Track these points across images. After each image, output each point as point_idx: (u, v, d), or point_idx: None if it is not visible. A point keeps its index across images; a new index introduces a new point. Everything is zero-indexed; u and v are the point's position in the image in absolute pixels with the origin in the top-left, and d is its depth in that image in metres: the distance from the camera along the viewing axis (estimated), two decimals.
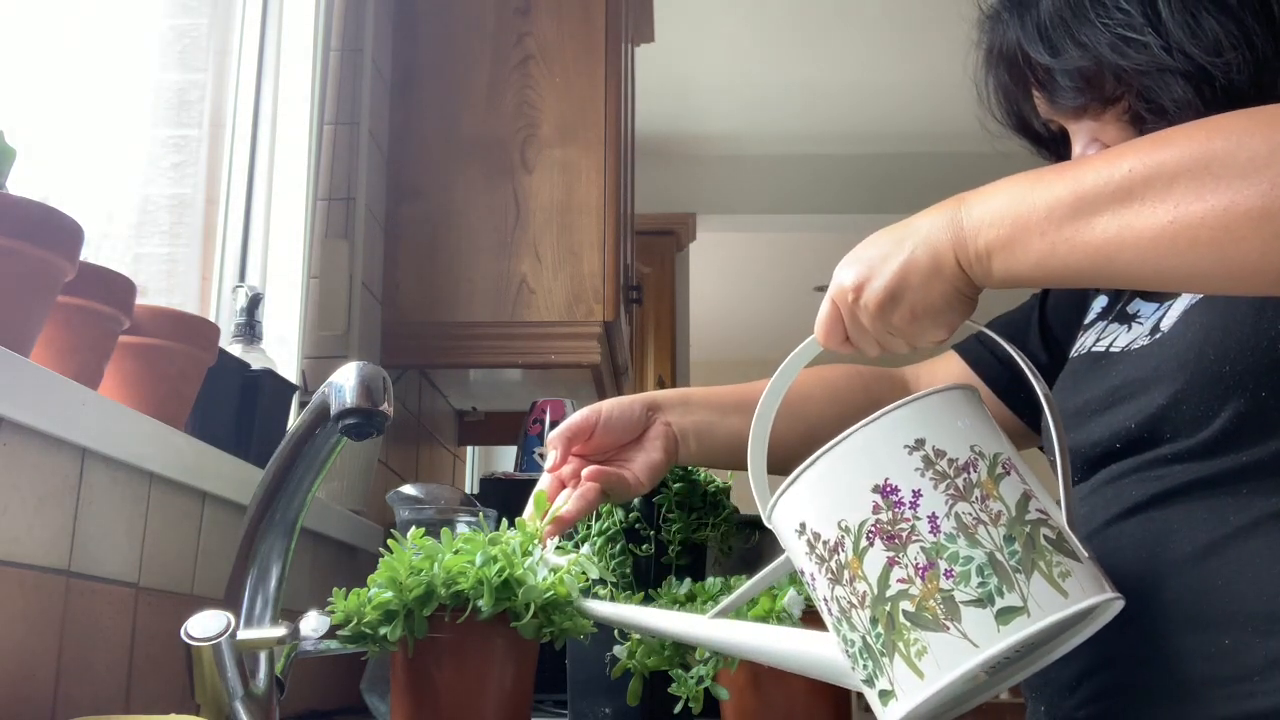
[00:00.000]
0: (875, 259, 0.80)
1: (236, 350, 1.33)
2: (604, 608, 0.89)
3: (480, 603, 0.83)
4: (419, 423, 2.14)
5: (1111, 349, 0.92)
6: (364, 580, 0.87)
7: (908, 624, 0.68)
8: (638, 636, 1.02)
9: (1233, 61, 0.83)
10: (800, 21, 3.80)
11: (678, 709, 0.99)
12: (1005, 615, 0.67)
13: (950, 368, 1.14)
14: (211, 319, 1.47)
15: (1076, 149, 0.94)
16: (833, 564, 0.72)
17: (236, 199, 1.62)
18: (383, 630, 0.84)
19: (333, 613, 0.87)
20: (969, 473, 0.70)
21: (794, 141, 4.61)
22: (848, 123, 4.46)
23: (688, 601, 1.04)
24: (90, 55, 1.37)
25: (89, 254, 0.91)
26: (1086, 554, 0.70)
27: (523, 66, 1.99)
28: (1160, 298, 0.91)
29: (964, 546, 0.68)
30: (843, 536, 0.71)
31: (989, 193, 0.77)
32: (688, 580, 1.08)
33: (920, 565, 0.68)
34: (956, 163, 3.14)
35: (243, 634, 0.87)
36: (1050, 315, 1.11)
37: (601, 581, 1.03)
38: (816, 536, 0.73)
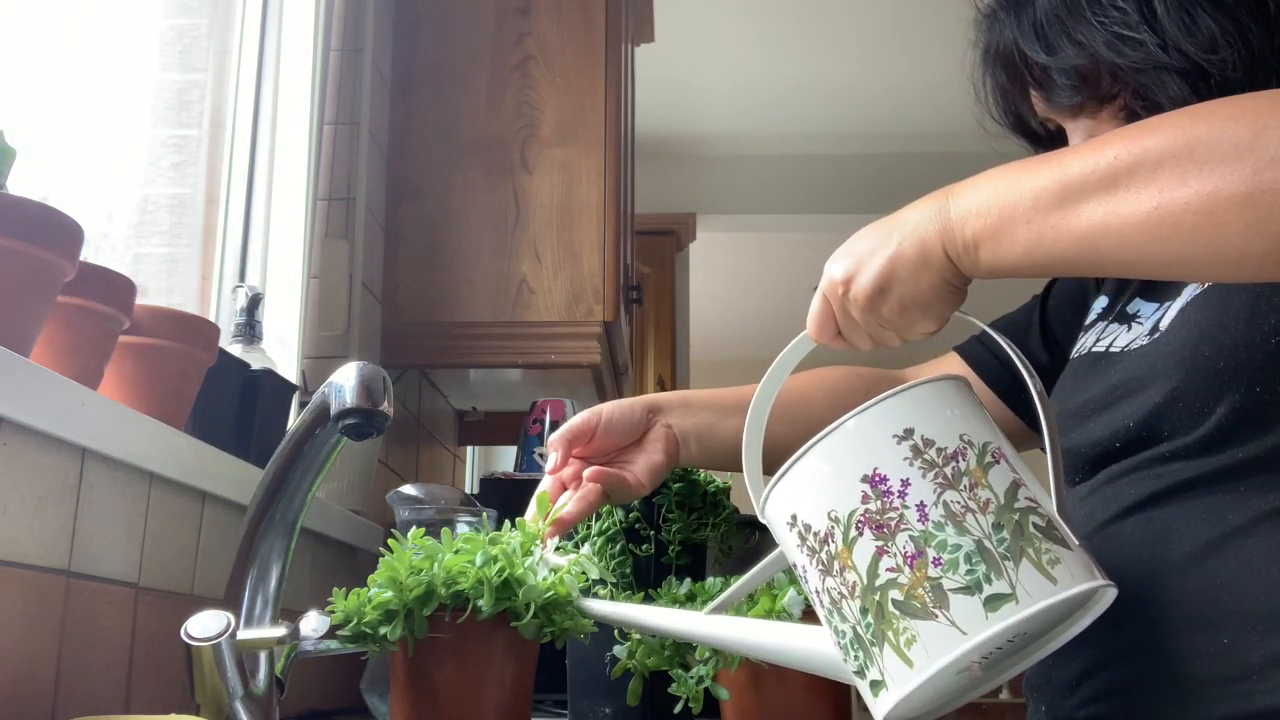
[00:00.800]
0: (863, 252, 0.80)
1: (236, 350, 1.33)
2: (601, 606, 0.89)
3: (480, 602, 0.83)
4: (419, 423, 2.14)
5: (1111, 349, 0.92)
6: (364, 580, 0.87)
7: (897, 613, 0.68)
8: (638, 636, 1.02)
9: (1228, 59, 0.83)
10: (800, 21, 3.80)
11: (678, 709, 0.99)
12: (993, 602, 0.66)
13: (951, 368, 1.14)
14: (211, 319, 1.47)
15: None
16: (823, 555, 0.72)
17: (236, 199, 1.62)
18: (383, 630, 0.84)
19: (333, 613, 0.87)
20: (958, 461, 0.70)
21: (794, 141, 4.61)
22: (848, 123, 4.46)
23: (688, 601, 1.04)
24: (90, 55, 1.37)
25: (89, 254, 0.91)
26: (1077, 541, 0.70)
27: (523, 67, 1.99)
28: (1160, 297, 0.91)
29: (952, 534, 0.68)
30: (832, 527, 0.71)
31: (976, 183, 0.77)
32: (688, 580, 1.08)
33: (909, 554, 0.68)
34: (956, 163, 3.13)
35: (243, 634, 0.87)
36: (1051, 316, 1.11)
37: (601, 581, 1.03)
38: (807, 528, 0.73)
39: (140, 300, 1.01)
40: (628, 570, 1.14)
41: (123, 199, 1.45)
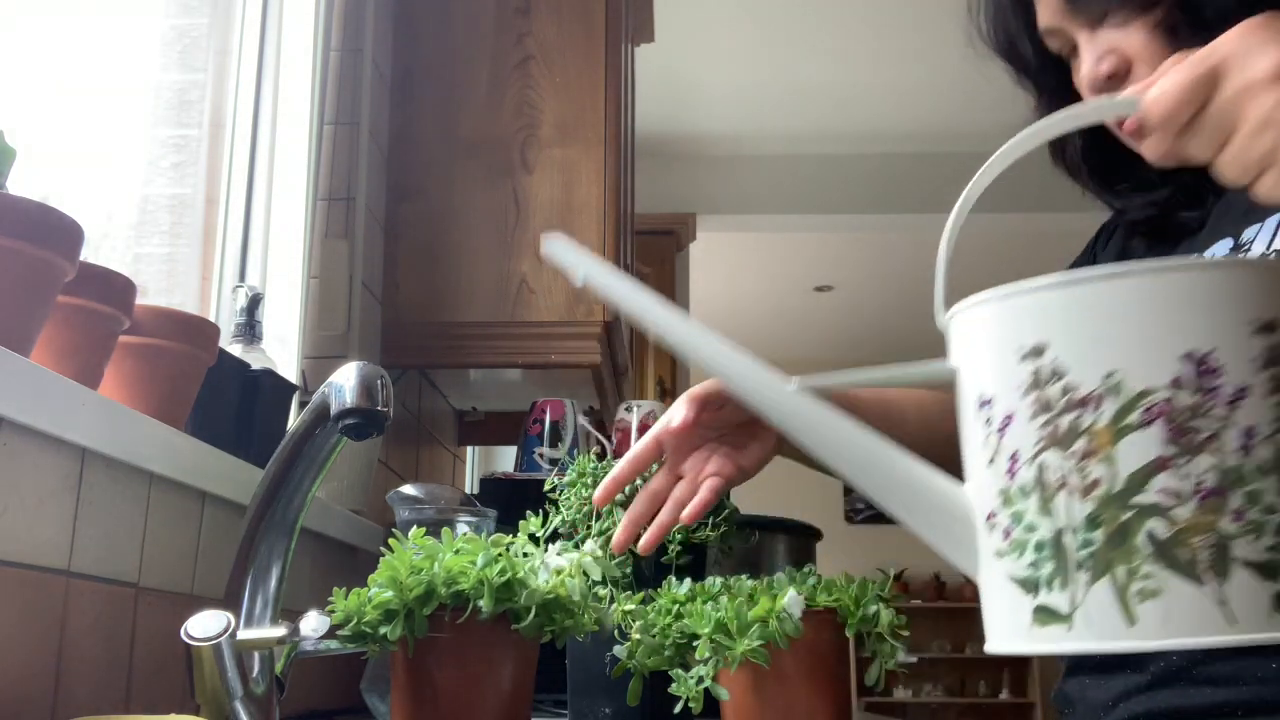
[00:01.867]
0: None
1: (236, 350, 1.33)
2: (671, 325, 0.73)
3: (481, 603, 0.83)
4: (419, 423, 2.14)
5: None
6: (364, 580, 0.87)
7: (1149, 551, 0.49)
8: (638, 636, 1.02)
9: None
10: (800, 22, 3.80)
11: (678, 709, 0.99)
12: None
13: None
14: (211, 319, 1.47)
15: (1087, 62, 0.83)
16: (1064, 421, 0.52)
17: (236, 199, 1.62)
18: (383, 630, 0.84)
19: (333, 613, 0.87)
20: None
21: (794, 141, 4.61)
22: (848, 123, 4.46)
23: (688, 601, 1.04)
24: (90, 55, 1.37)
25: (89, 254, 0.91)
26: None
27: (523, 66, 1.99)
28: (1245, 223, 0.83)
29: (1275, 489, 0.49)
30: (1104, 394, 0.51)
31: None
32: (688, 580, 1.08)
33: (1205, 487, 0.49)
34: (957, 163, 3.13)
35: (243, 634, 0.87)
36: None
37: (602, 581, 1.03)
38: (1057, 375, 0.52)
39: (140, 300, 1.01)
40: (628, 570, 1.13)
41: (123, 199, 1.45)
